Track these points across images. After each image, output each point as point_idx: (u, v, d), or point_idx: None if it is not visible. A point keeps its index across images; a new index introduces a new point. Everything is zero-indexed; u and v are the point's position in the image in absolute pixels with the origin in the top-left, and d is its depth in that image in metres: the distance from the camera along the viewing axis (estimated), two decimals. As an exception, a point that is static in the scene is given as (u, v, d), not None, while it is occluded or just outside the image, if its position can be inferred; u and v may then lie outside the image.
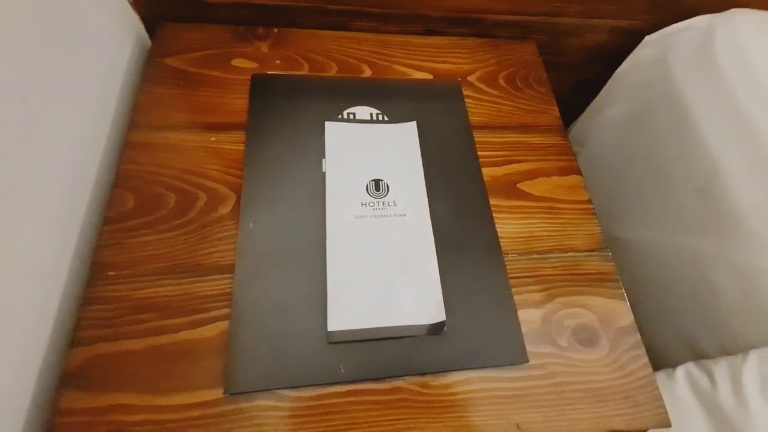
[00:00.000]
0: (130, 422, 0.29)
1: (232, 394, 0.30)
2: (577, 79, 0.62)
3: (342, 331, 0.33)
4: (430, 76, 0.48)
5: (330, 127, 0.42)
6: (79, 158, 0.37)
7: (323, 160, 0.40)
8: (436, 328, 0.34)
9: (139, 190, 0.37)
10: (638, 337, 0.35)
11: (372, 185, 0.39)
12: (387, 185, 0.40)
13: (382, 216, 0.38)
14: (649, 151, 0.51)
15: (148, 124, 0.41)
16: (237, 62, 0.46)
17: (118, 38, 0.44)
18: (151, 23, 0.47)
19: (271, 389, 0.30)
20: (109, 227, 0.35)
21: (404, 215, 0.38)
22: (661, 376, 0.38)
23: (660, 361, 0.43)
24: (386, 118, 0.44)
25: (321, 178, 0.39)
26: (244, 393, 0.30)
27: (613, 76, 0.56)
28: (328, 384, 0.31)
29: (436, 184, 0.40)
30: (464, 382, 0.32)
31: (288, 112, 0.43)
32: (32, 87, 0.31)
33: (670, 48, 0.50)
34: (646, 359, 0.34)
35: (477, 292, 0.36)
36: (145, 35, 0.48)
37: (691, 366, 0.38)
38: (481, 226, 0.39)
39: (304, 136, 0.41)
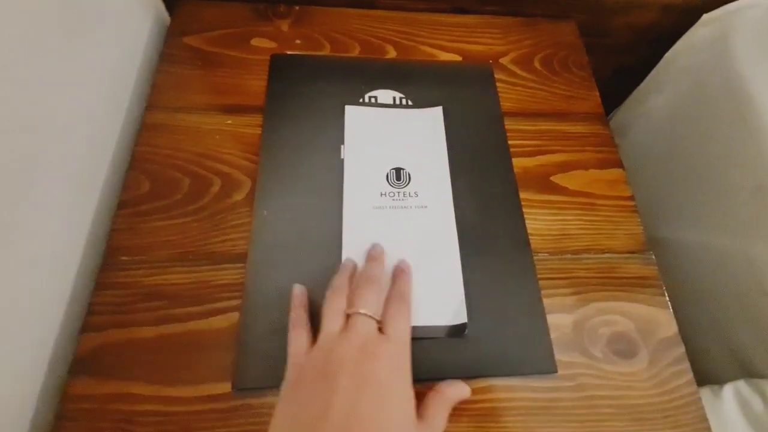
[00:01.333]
0: (138, 412, 0.28)
1: (240, 389, 0.29)
2: (621, 63, 0.57)
3: None
4: (459, 58, 0.45)
5: (350, 111, 0.40)
6: (94, 139, 0.36)
7: (342, 146, 0.38)
8: (456, 331, 0.31)
9: (153, 173, 0.36)
10: (682, 349, 0.32)
11: (393, 174, 0.37)
12: (408, 174, 0.37)
13: (402, 207, 0.36)
14: (702, 144, 0.46)
15: (165, 106, 0.39)
16: (256, 42, 0.44)
17: (137, 16, 0.43)
18: (171, 0, 0.45)
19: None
20: (123, 211, 0.34)
21: (426, 207, 0.36)
22: (705, 393, 0.34)
23: (704, 375, 0.39)
24: (410, 103, 0.41)
25: (340, 165, 0.37)
26: (253, 389, 0.29)
27: (663, 60, 0.51)
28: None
29: (461, 175, 0.37)
30: (486, 389, 0.30)
31: (307, 94, 0.40)
32: (49, 65, 0.30)
33: (732, 28, 0.44)
34: (690, 375, 0.31)
35: (503, 294, 0.33)
36: (165, 13, 0.46)
37: (741, 384, 0.35)
38: (509, 222, 0.36)
39: (322, 121, 0.39)
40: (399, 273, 0.31)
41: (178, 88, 0.40)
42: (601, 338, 0.32)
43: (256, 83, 0.41)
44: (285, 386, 0.25)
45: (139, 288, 0.32)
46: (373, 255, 0.32)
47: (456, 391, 0.26)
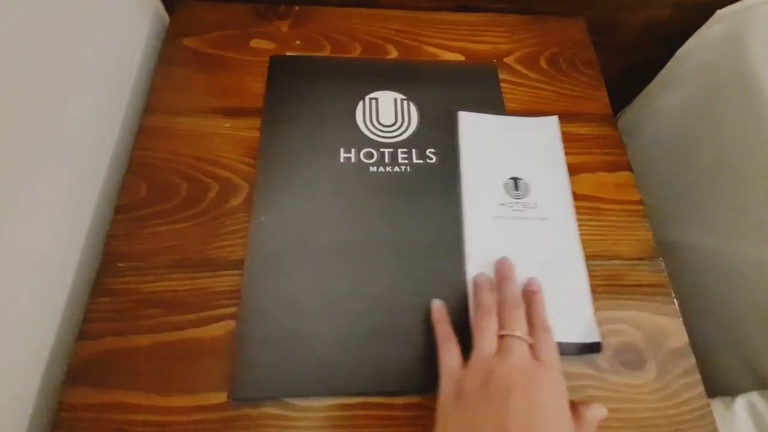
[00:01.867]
0: (134, 422, 0.28)
1: (236, 399, 0.28)
2: (630, 61, 0.55)
3: None
4: (462, 58, 0.44)
5: (463, 117, 0.39)
6: (92, 143, 0.36)
7: (341, 148, 0.37)
8: (589, 348, 0.31)
9: (151, 178, 0.36)
10: (693, 361, 0.31)
11: (510, 184, 0.36)
12: (527, 185, 0.36)
13: (522, 218, 0.35)
14: (714, 145, 0.45)
15: (163, 109, 0.39)
16: (255, 43, 0.43)
17: (135, 16, 0.42)
18: (170, 0, 0.45)
19: (278, 397, 0.29)
20: (121, 216, 0.34)
21: (546, 219, 0.35)
22: (716, 405, 0.33)
23: (715, 385, 0.38)
24: (412, 105, 0.40)
25: (339, 168, 0.36)
26: (249, 399, 0.28)
27: (674, 58, 0.50)
28: (337, 395, 0.29)
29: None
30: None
31: (306, 96, 0.40)
32: (45, 67, 0.30)
33: (746, 24, 0.42)
34: (701, 388, 0.30)
35: None
36: (164, 13, 0.46)
37: (754, 396, 0.33)
38: None
39: (322, 124, 0.38)
40: (532, 295, 0.30)
41: (177, 90, 0.40)
42: (608, 348, 0.31)
43: (255, 85, 0.40)
44: (445, 399, 0.26)
45: (136, 295, 0.31)
46: (505, 274, 0.31)
47: (594, 413, 0.26)
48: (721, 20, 0.45)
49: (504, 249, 0.33)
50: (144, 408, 0.28)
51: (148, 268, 0.32)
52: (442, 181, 0.36)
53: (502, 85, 0.43)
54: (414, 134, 0.39)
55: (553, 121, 0.40)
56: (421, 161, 0.37)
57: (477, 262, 0.33)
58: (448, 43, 0.45)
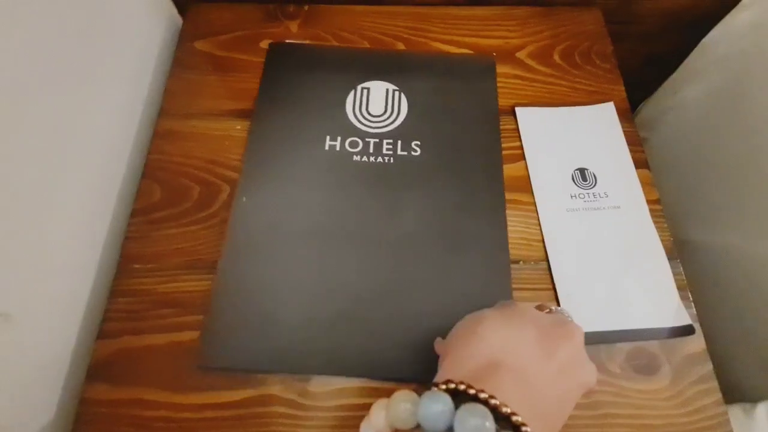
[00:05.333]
0: (150, 417, 0.29)
1: (200, 367, 0.30)
2: (652, 50, 0.53)
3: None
4: (471, 53, 0.43)
5: (521, 112, 0.39)
6: (110, 147, 0.37)
7: (327, 136, 0.38)
8: (682, 332, 0.31)
9: (165, 181, 0.37)
10: (710, 367, 0.30)
11: (578, 175, 0.37)
12: (594, 174, 0.36)
13: (595, 209, 0.35)
14: (740, 139, 0.43)
15: (176, 112, 0.40)
16: (265, 44, 0.43)
17: (151, 21, 0.43)
18: (182, 4, 0.46)
19: (243, 369, 0.30)
20: (136, 219, 0.35)
21: (619, 207, 0.35)
22: (735, 411, 0.32)
23: (735, 390, 0.36)
24: (403, 96, 0.40)
25: (323, 155, 0.37)
26: (259, 398, 0.29)
27: (698, 47, 0.47)
28: (296, 373, 0.30)
29: (443, 173, 0.36)
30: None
31: (300, 83, 0.40)
32: (65, 73, 0.31)
33: (777, 11, 0.40)
34: (718, 395, 0.29)
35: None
36: (178, 17, 0.47)
37: (776, 404, 0.32)
38: (492, 224, 0.35)
39: (310, 111, 0.39)
40: None
41: (190, 93, 0.41)
42: (620, 353, 0.31)
43: (265, 87, 0.41)
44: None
45: (152, 295, 0.32)
46: None
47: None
48: (748, 7, 0.42)
49: (583, 240, 0.34)
50: (160, 404, 0.29)
51: (161, 269, 0.33)
52: (424, 173, 0.36)
53: (513, 81, 0.42)
54: (401, 125, 0.38)
55: (609, 107, 0.40)
56: (405, 153, 0.37)
57: (559, 258, 0.33)
58: (457, 38, 0.44)
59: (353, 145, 0.37)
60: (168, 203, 0.36)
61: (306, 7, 0.45)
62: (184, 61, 0.42)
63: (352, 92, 0.40)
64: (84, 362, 0.31)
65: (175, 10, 0.46)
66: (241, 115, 0.40)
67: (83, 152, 0.33)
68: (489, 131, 0.39)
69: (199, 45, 0.43)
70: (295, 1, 0.45)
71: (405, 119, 0.39)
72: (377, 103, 0.39)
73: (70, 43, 0.31)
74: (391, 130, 0.38)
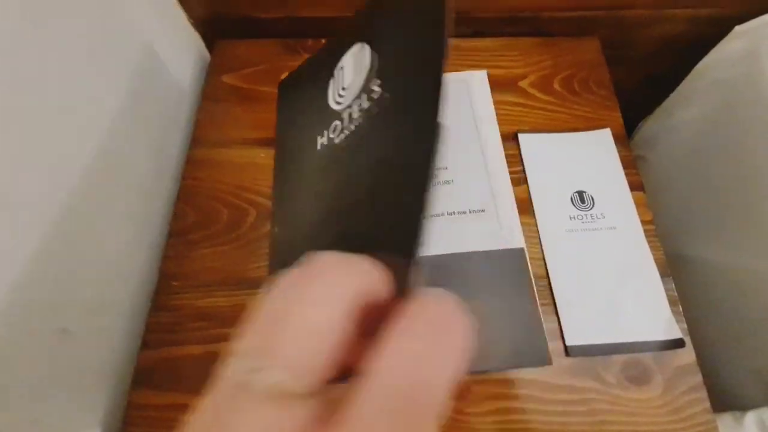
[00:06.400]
0: (189, 421, 0.32)
1: None
2: (647, 74, 0.56)
3: (581, 345, 0.33)
4: None
5: (524, 139, 0.42)
6: (152, 175, 0.41)
7: (318, 137, 0.32)
8: (671, 345, 0.33)
9: (197, 205, 0.40)
10: (700, 378, 0.32)
11: (576, 197, 0.40)
12: (591, 197, 0.39)
13: (592, 230, 0.38)
14: (732, 160, 0.45)
15: (207, 141, 0.44)
16: (285, 77, 0.47)
17: (182, 58, 0.47)
18: (210, 40, 0.50)
19: None
20: (173, 240, 0.39)
21: (615, 228, 0.38)
22: (725, 420, 0.34)
23: (726, 399, 0.38)
24: (366, 48, 0.30)
25: (317, 158, 0.32)
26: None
27: (693, 73, 0.50)
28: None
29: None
30: (494, 412, 0.32)
31: (300, 98, 0.40)
32: (120, 109, 0.35)
33: (766, 40, 0.43)
34: (707, 404, 0.31)
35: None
36: (206, 53, 0.51)
37: (766, 413, 0.34)
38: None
39: (307, 119, 0.36)
40: None
41: (218, 124, 0.45)
42: (615, 364, 0.33)
43: (286, 117, 0.45)
44: None
45: (189, 310, 0.36)
46: None
47: None
48: (739, 36, 0.45)
49: (582, 260, 0.37)
50: (197, 409, 0.32)
51: (197, 286, 0.37)
52: (394, 115, 0.25)
53: (516, 108, 0.45)
54: (365, 79, 0.29)
55: (606, 133, 0.43)
56: (369, 103, 0.27)
57: (559, 276, 0.36)
58: (463, 69, 0.47)
59: (334, 129, 0.31)
60: (200, 225, 0.40)
61: (323, 41, 0.49)
62: (212, 94, 0.47)
63: (332, 80, 0.34)
64: (129, 370, 0.34)
65: (203, 45, 0.51)
66: (264, 143, 0.43)
67: (130, 178, 0.37)
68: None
69: (226, 78, 0.47)
70: (313, 35, 0.49)
71: (368, 70, 0.29)
72: (348, 73, 0.32)
73: (120, 82, 0.36)
74: (357, 89, 0.29)
